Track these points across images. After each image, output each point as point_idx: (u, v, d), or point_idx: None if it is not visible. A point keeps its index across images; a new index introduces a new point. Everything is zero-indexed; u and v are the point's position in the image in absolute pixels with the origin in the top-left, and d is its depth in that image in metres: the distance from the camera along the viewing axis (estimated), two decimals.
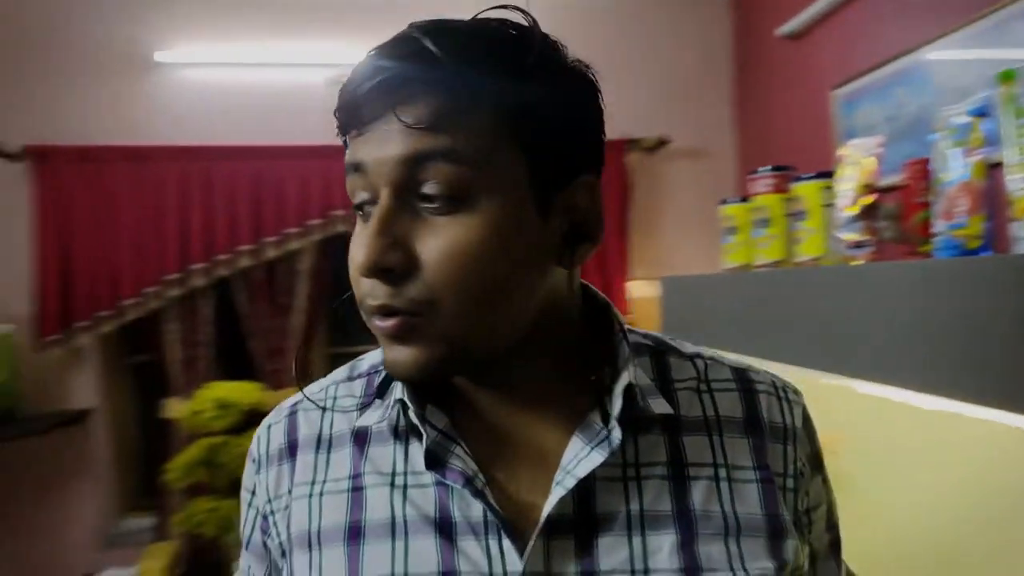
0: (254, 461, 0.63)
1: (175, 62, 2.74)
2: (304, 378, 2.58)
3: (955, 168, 1.11)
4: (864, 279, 1.20)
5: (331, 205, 2.73)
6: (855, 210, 1.40)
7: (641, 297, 2.97)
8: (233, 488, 1.96)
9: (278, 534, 0.60)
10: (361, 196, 0.53)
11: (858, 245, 1.39)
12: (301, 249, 2.75)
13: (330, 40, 2.81)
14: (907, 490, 1.49)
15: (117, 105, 2.74)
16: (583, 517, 0.53)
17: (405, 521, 0.54)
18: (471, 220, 0.50)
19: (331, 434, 0.60)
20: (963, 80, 1.79)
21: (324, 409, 0.62)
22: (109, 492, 2.81)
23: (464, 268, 0.49)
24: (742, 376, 0.62)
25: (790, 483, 0.59)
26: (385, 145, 0.49)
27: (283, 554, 0.59)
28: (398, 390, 0.57)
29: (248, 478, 0.64)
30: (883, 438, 1.50)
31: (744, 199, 1.92)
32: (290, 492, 0.59)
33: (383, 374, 0.61)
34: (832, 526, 0.66)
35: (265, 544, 0.62)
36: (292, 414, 0.63)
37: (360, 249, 0.50)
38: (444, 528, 0.54)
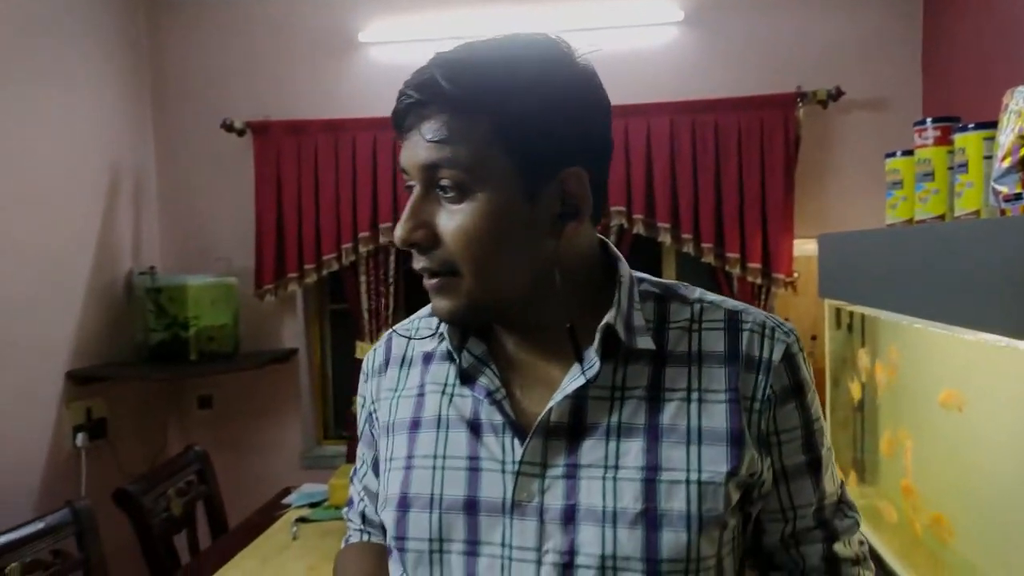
0: (364, 374, 0.87)
1: (375, 41, 3.04)
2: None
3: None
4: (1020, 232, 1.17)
5: None
6: (1008, 161, 1.35)
7: (806, 255, 2.92)
8: None
9: (378, 425, 0.83)
10: (408, 183, 0.71)
11: (1016, 197, 1.35)
12: None
13: (522, 9, 2.97)
14: None
15: (323, 82, 3.11)
16: (575, 426, 0.71)
17: (448, 419, 0.75)
18: (472, 207, 0.67)
19: (411, 356, 0.82)
20: None
21: (409, 338, 0.84)
22: (309, 421, 3.26)
23: (469, 241, 0.67)
24: (733, 317, 0.76)
25: (756, 406, 0.72)
26: (415, 153, 0.68)
27: (379, 440, 0.83)
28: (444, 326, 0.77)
29: (361, 386, 0.87)
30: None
31: (910, 152, 1.86)
32: (383, 396, 0.83)
33: None
34: (811, 449, 0.77)
35: (372, 433, 0.86)
36: (388, 339, 0.86)
37: (397, 227, 0.70)
38: (474, 426, 0.73)
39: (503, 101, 0.66)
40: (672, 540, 0.66)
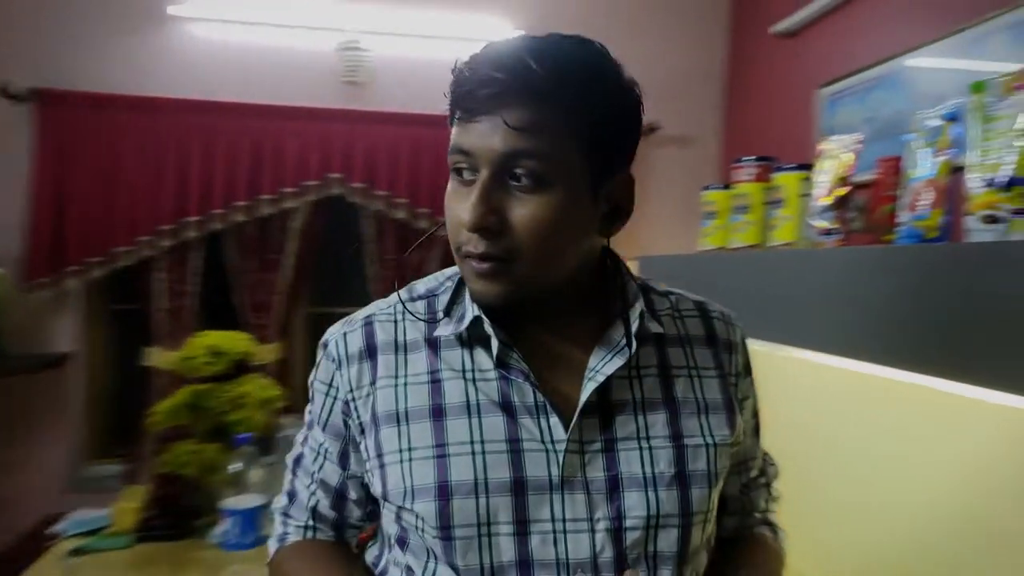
0: (333, 361, 0.81)
1: (187, 16, 2.76)
2: (284, 335, 2.62)
3: (923, 166, 1.21)
4: (832, 262, 1.30)
5: (329, 167, 2.79)
6: (829, 200, 1.50)
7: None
8: (216, 433, 2.03)
9: (359, 416, 0.79)
10: (461, 164, 0.72)
11: (828, 232, 1.50)
12: (295, 208, 2.80)
13: (340, 5, 2.85)
14: (870, 452, 1.60)
15: (126, 55, 2.75)
16: (603, 404, 0.76)
17: (479, 403, 0.76)
18: (546, 198, 0.69)
19: (406, 340, 0.80)
20: (939, 87, 1.90)
21: (427, 320, 0.81)
22: (80, 436, 2.86)
23: (540, 231, 0.70)
24: (701, 307, 0.88)
25: (733, 380, 0.85)
26: (491, 138, 0.68)
27: (363, 431, 0.80)
28: (471, 311, 0.77)
29: (325, 374, 0.82)
30: (847, 405, 1.62)
31: (726, 186, 2.01)
32: (373, 384, 0.79)
33: (446, 298, 0.82)
34: (755, 414, 0.93)
35: (346, 423, 0.81)
36: (368, 324, 0.82)
37: (466, 211, 0.70)
38: (507, 409, 0.75)
39: (589, 99, 0.70)
40: (699, 495, 0.77)
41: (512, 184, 0.70)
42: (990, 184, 1.05)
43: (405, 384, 0.78)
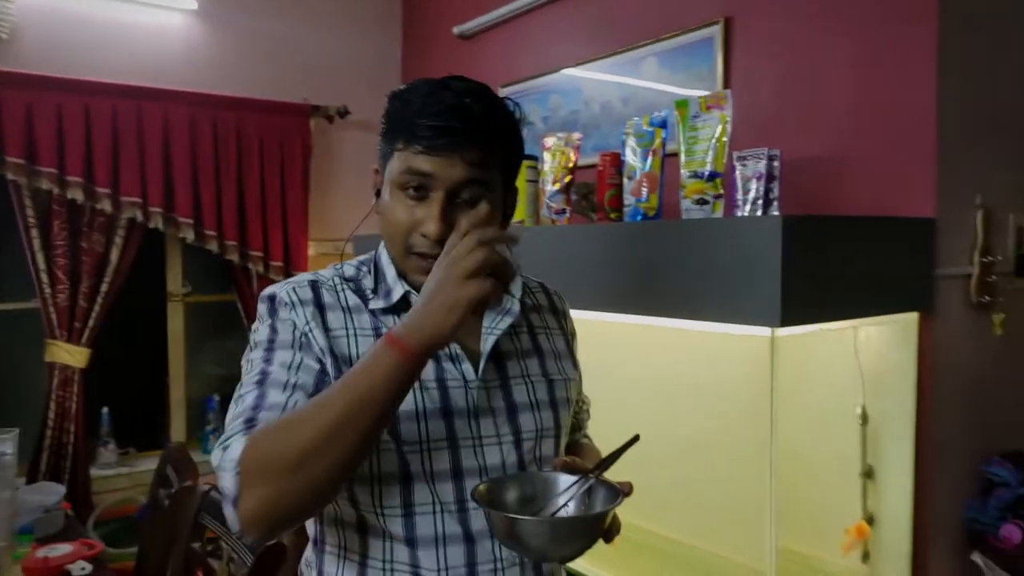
0: (287, 305, 0.94)
1: None
2: None
3: (641, 161, 1.61)
4: (578, 236, 1.64)
5: None
6: (558, 186, 1.85)
7: (320, 254, 3.17)
8: None
9: (319, 344, 0.92)
10: (415, 183, 0.90)
11: (560, 211, 1.85)
12: None
13: None
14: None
15: None
16: (495, 353, 0.99)
17: None
18: (479, 212, 0.91)
19: (349, 304, 0.97)
20: (604, 95, 2.39)
21: (337, 290, 0.99)
22: None
23: None
24: (542, 286, 1.16)
25: (569, 337, 1.14)
26: (450, 169, 0.89)
27: (323, 355, 0.92)
28: (399, 288, 0.97)
29: (284, 312, 0.94)
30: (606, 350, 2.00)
31: None
32: (327, 330, 0.93)
33: (369, 281, 1.00)
34: (577, 363, 1.19)
35: (314, 345, 0.93)
36: (314, 283, 0.98)
37: (430, 223, 0.89)
38: (435, 357, 0.95)
39: (510, 141, 0.95)
40: (564, 415, 1.04)
41: (456, 201, 0.90)
42: (699, 176, 1.47)
43: (356, 336, 0.95)
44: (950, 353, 1.62)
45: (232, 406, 0.90)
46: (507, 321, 0.99)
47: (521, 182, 1.98)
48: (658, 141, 1.58)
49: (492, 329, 0.98)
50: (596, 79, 2.44)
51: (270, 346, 0.93)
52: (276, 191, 2.96)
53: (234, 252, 2.87)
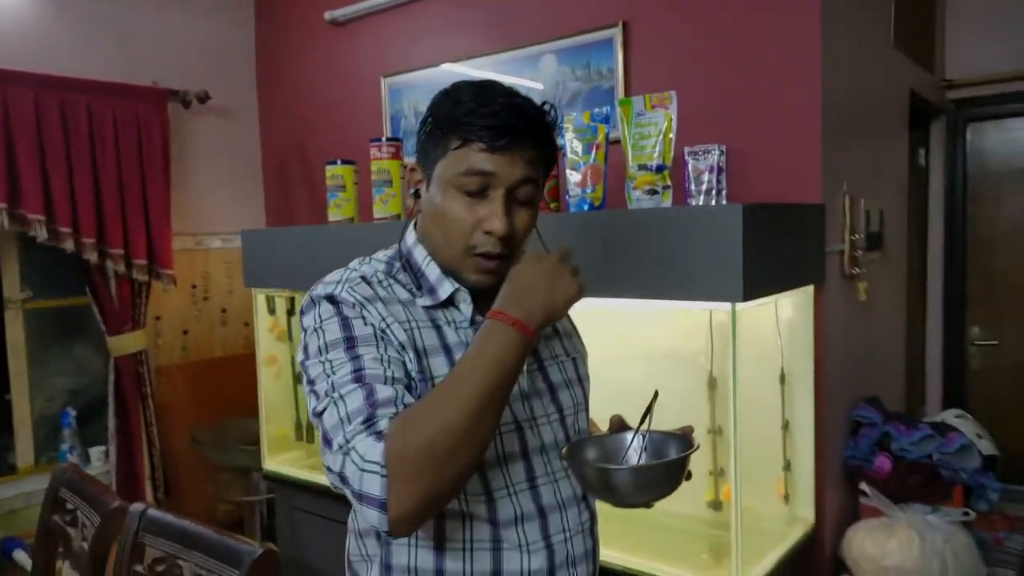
0: (353, 303, 0.93)
1: None
2: None
3: (586, 155, 1.72)
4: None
5: None
6: None
7: (181, 249, 2.96)
8: None
9: (396, 338, 0.93)
10: (477, 182, 0.92)
11: None
12: None
13: None
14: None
15: None
16: None
17: (466, 343, 0.99)
18: (531, 211, 0.98)
19: (402, 299, 0.99)
20: None
21: (385, 284, 1.00)
22: None
23: (527, 235, 0.99)
24: None
25: (570, 316, 1.20)
26: (510, 167, 0.92)
27: (401, 350, 0.93)
28: (447, 285, 0.99)
29: (351, 310, 0.93)
30: None
31: (350, 161, 2.29)
32: (392, 324, 0.93)
33: (404, 276, 1.00)
34: None
35: (396, 341, 0.93)
36: (366, 280, 0.97)
37: (496, 221, 0.92)
38: None
39: (552, 141, 0.99)
40: (588, 390, 1.15)
41: (514, 199, 0.95)
42: (648, 169, 1.61)
43: (419, 328, 0.97)
44: (833, 318, 1.92)
45: (332, 409, 0.85)
46: None
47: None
48: (601, 136, 1.71)
49: None
50: (489, 75, 2.51)
51: (350, 344, 0.90)
52: (135, 183, 2.71)
53: (92, 251, 2.59)
